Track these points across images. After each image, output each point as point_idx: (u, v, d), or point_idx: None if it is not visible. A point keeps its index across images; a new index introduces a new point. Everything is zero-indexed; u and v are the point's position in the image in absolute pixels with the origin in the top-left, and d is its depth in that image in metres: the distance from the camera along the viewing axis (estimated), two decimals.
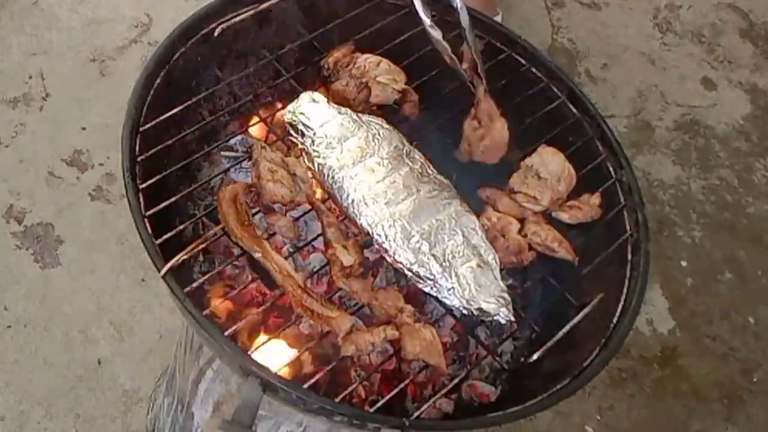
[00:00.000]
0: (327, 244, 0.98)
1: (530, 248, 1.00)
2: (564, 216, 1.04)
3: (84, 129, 1.90)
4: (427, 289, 0.95)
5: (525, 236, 1.01)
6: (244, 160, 1.12)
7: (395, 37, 1.15)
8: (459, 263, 0.95)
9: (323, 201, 1.02)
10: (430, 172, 1.02)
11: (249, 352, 0.89)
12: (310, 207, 1.02)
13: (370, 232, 0.96)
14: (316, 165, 1.00)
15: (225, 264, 1.01)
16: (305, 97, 1.06)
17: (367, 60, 1.11)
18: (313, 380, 0.92)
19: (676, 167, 2.14)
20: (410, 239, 0.95)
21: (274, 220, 0.98)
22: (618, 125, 2.17)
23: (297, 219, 1.03)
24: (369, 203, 0.97)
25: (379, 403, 0.91)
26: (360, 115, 1.06)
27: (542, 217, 1.03)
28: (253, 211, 0.99)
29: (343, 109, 1.06)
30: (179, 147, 1.04)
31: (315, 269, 1.06)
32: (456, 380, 0.98)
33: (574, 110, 1.15)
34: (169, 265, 0.89)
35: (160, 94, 1.04)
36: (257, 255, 0.93)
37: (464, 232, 0.97)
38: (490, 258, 0.97)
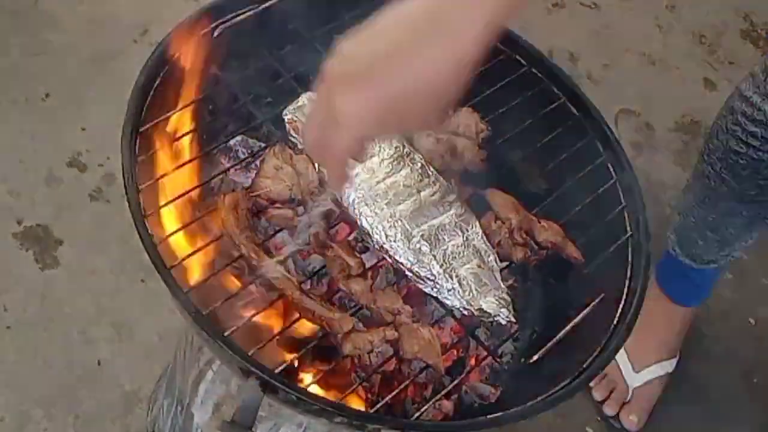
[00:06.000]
0: (319, 244, 0.97)
1: (531, 248, 1.00)
2: None
3: (84, 129, 1.90)
4: (427, 290, 0.95)
5: (526, 236, 1.01)
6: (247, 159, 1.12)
7: None
8: (459, 264, 0.95)
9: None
10: (431, 173, 1.02)
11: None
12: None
13: (371, 233, 0.96)
14: (316, 165, 1.00)
15: (225, 265, 1.01)
16: (305, 97, 1.06)
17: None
18: (312, 380, 0.92)
19: (676, 168, 2.14)
20: (411, 240, 0.95)
21: (270, 211, 0.98)
22: (618, 126, 2.17)
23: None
24: (369, 203, 0.97)
25: (379, 404, 0.91)
26: None
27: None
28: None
29: None
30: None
31: (315, 270, 1.06)
32: (456, 381, 0.98)
33: (575, 111, 1.15)
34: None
35: (160, 94, 1.04)
36: (254, 262, 0.93)
37: (465, 233, 0.97)
38: (491, 259, 0.97)
